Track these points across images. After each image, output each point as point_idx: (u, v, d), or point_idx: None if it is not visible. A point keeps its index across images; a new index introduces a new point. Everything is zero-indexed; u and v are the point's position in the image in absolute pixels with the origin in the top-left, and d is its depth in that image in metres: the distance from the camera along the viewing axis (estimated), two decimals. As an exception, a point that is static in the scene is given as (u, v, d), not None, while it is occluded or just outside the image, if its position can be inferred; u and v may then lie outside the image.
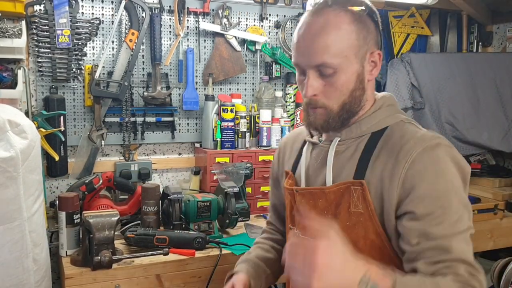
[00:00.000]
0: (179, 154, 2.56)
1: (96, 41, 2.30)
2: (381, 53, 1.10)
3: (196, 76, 2.50)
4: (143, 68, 2.40)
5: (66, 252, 1.82)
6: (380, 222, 1.03)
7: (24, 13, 2.05)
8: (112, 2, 2.31)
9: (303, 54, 1.05)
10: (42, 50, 2.16)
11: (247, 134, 2.45)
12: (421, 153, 1.00)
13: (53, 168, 2.20)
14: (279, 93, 2.57)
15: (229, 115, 2.38)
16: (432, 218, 0.98)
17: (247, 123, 2.45)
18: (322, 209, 1.09)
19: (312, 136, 1.22)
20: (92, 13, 2.28)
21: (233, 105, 2.39)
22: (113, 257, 1.71)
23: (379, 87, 2.88)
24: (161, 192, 2.14)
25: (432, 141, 1.01)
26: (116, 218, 1.77)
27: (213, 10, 2.48)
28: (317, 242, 0.82)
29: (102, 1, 2.30)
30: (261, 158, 2.40)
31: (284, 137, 1.48)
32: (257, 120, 2.49)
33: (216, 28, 2.47)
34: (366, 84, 1.09)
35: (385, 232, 1.03)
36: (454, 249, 0.98)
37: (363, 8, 1.04)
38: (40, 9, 2.15)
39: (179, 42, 2.42)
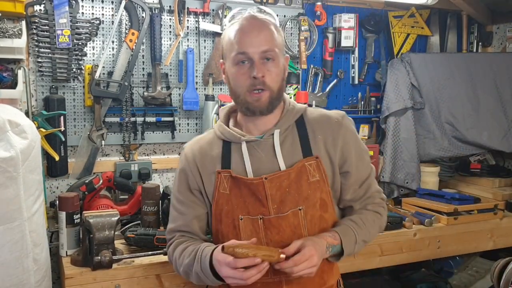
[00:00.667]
0: (179, 154, 2.56)
1: (96, 41, 2.30)
2: (288, 57, 1.42)
3: (196, 76, 2.50)
4: (143, 68, 2.40)
5: (66, 252, 1.83)
6: (331, 183, 1.39)
7: (24, 13, 2.05)
8: (112, 2, 2.31)
9: (252, 44, 1.28)
10: (42, 50, 2.16)
11: (247, 134, 2.45)
12: (345, 127, 1.41)
13: (53, 168, 2.20)
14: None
15: (229, 115, 2.38)
16: (359, 170, 1.42)
17: (247, 123, 2.45)
18: (285, 187, 1.34)
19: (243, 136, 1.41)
20: (92, 13, 2.28)
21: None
22: (113, 257, 1.71)
23: (379, 87, 2.88)
24: (161, 192, 2.14)
25: (345, 116, 1.43)
26: (116, 218, 1.77)
27: (213, 10, 2.48)
28: (311, 251, 1.25)
29: (102, 1, 2.30)
30: (261, 158, 2.40)
31: (187, 150, 1.48)
32: (257, 120, 2.48)
33: (216, 28, 2.47)
34: (285, 80, 1.38)
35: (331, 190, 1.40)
36: (372, 185, 1.46)
37: (277, 21, 1.35)
38: (40, 9, 2.15)
39: (179, 42, 2.42)
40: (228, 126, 1.45)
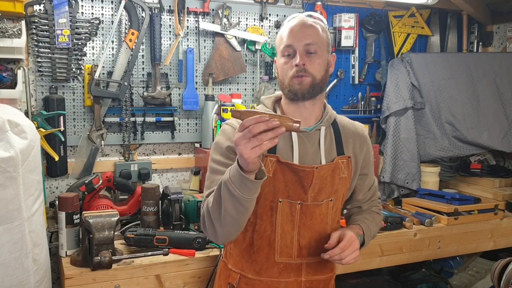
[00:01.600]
0: (179, 154, 2.56)
1: (96, 41, 2.30)
2: (335, 56, 1.58)
3: (196, 76, 2.50)
4: (143, 68, 2.40)
5: (66, 252, 1.82)
6: (351, 181, 1.56)
7: (24, 13, 2.05)
8: (112, 2, 2.31)
9: (297, 38, 1.43)
10: (42, 50, 2.16)
11: (247, 134, 2.45)
12: (368, 137, 1.62)
13: (53, 168, 2.20)
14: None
15: (229, 115, 2.37)
16: (372, 175, 1.66)
17: (247, 123, 2.45)
18: (325, 178, 1.47)
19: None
20: (92, 13, 2.28)
21: (233, 105, 2.39)
22: (113, 257, 1.71)
23: (379, 87, 2.88)
24: (161, 192, 2.14)
25: (364, 127, 1.63)
26: (116, 218, 1.77)
27: (213, 10, 2.48)
28: (352, 237, 1.45)
29: (102, 1, 2.29)
30: (261, 158, 2.40)
31: (235, 123, 1.45)
32: (257, 120, 2.48)
33: (216, 28, 2.47)
34: (328, 73, 1.51)
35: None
36: (377, 191, 1.71)
37: (326, 24, 1.54)
38: (39, 9, 2.15)
39: (179, 42, 2.42)
40: None
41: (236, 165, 1.20)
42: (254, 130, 1.12)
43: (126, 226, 2.07)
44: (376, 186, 1.69)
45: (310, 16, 1.52)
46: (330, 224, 1.51)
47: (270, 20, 2.63)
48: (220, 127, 2.36)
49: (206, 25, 2.46)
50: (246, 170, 1.18)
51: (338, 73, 2.82)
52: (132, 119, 2.38)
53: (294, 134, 1.47)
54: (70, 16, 2.15)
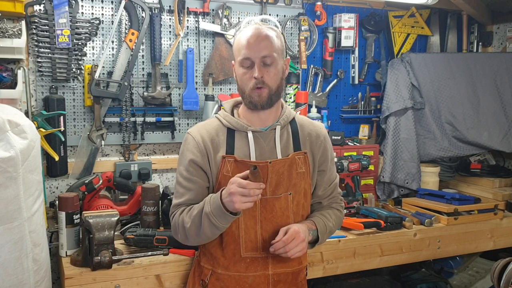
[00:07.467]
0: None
1: (96, 41, 2.30)
2: (289, 59, 1.69)
3: (196, 76, 2.50)
4: (143, 68, 2.40)
5: (66, 252, 1.83)
6: (311, 177, 1.65)
7: (24, 13, 2.05)
8: (112, 2, 2.31)
9: (254, 50, 1.52)
10: (42, 50, 2.16)
11: (247, 134, 2.45)
12: (326, 135, 1.72)
13: (53, 168, 2.20)
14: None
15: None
16: (331, 172, 1.72)
17: (247, 123, 2.45)
18: (280, 173, 1.57)
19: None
20: (92, 13, 2.28)
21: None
22: (113, 257, 1.71)
23: (379, 87, 2.88)
24: (161, 192, 2.14)
25: (323, 126, 1.74)
26: (116, 218, 1.77)
27: (213, 10, 2.48)
28: (295, 230, 1.51)
29: (102, 1, 2.30)
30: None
31: (196, 134, 1.60)
32: (257, 120, 2.48)
33: (216, 28, 2.47)
34: (284, 79, 1.62)
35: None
36: (337, 188, 1.76)
37: (279, 29, 1.53)
38: (40, 9, 2.15)
39: (179, 42, 2.42)
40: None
41: (220, 203, 1.43)
42: (251, 192, 1.38)
43: (126, 226, 2.07)
44: (336, 183, 1.75)
45: (265, 20, 1.61)
46: (292, 217, 1.59)
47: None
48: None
49: (206, 25, 2.46)
50: (227, 208, 1.42)
51: (338, 73, 2.82)
52: (132, 119, 2.38)
53: (250, 135, 1.59)
54: (70, 16, 2.15)
